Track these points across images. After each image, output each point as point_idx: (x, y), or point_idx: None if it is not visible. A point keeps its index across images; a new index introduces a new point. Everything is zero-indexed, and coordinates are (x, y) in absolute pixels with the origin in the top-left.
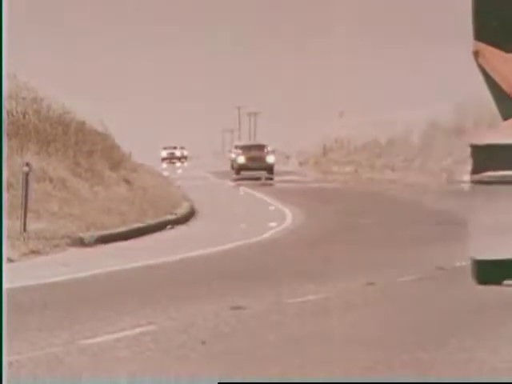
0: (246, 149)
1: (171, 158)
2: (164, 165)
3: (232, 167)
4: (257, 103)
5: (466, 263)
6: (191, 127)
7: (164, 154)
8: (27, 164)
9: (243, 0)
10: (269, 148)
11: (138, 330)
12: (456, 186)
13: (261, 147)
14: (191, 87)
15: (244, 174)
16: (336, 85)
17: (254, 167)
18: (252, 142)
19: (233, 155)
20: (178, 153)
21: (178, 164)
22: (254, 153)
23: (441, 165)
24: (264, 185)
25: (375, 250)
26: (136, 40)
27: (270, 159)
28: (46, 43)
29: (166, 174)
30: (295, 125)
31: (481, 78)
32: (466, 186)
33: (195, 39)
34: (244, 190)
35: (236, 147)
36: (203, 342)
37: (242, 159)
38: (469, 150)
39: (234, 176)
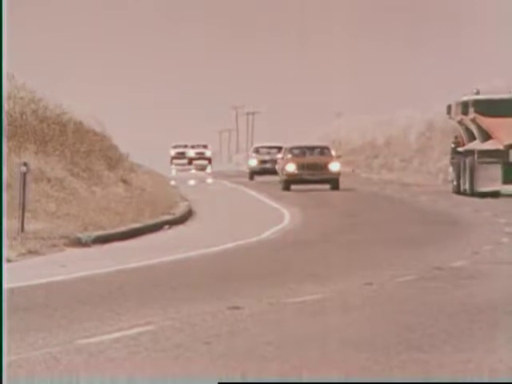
0: (298, 152)
1: (200, 158)
2: (192, 167)
3: (251, 177)
4: (255, 103)
5: (462, 263)
6: (188, 127)
7: (192, 153)
8: (25, 164)
9: None
10: (332, 152)
11: (136, 330)
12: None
13: (321, 150)
14: (189, 87)
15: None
16: (334, 85)
17: (312, 179)
18: (307, 143)
19: (253, 162)
20: (208, 152)
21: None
22: (312, 158)
23: (438, 165)
24: (262, 185)
25: (373, 250)
26: (135, 39)
27: (335, 167)
28: (46, 43)
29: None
30: (293, 125)
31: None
32: None
33: (194, 38)
34: (242, 190)
35: (285, 150)
36: (207, 343)
37: (292, 167)
38: None
39: (282, 191)
